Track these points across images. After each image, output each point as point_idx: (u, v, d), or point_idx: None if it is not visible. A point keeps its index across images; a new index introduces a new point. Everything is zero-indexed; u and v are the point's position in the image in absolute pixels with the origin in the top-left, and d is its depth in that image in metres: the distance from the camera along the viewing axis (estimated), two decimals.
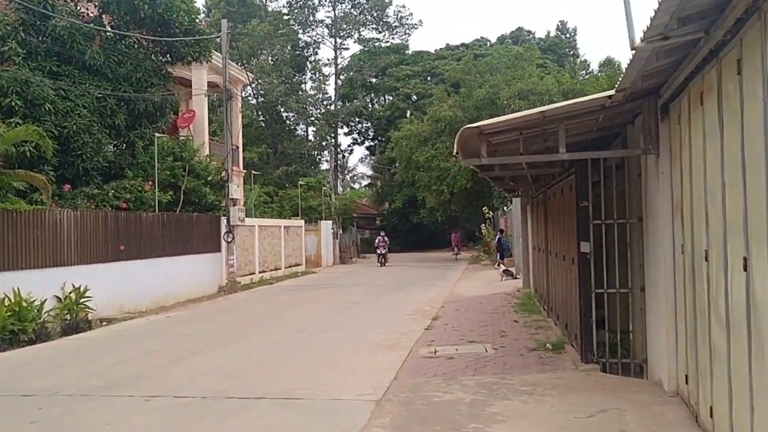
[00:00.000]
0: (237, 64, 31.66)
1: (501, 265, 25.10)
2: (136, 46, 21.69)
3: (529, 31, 71.50)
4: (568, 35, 73.48)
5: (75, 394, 8.67)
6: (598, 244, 9.09)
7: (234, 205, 23.90)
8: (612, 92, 7.05)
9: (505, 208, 37.58)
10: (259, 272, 27.86)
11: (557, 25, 73.56)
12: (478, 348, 11.22)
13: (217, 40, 25.00)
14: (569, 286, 10.44)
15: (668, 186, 7.35)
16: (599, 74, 44.68)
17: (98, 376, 9.75)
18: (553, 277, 12.96)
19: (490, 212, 37.95)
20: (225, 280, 23.46)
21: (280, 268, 30.76)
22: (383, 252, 37.75)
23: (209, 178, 24.19)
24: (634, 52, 5.29)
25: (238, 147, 31.47)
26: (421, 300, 19.09)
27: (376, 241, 39.31)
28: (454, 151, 7.76)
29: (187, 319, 16.71)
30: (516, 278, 23.56)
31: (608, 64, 58.52)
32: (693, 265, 6.62)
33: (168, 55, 22.67)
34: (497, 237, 28.99)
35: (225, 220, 23.63)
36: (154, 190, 20.28)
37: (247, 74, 33.99)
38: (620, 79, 6.71)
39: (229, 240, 23.51)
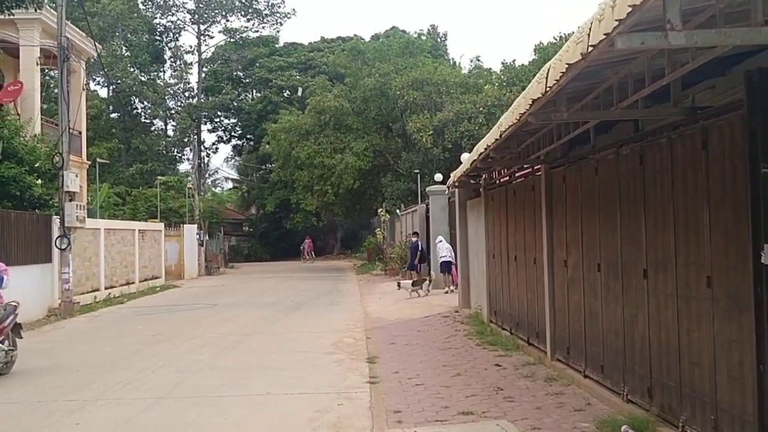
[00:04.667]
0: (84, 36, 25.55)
1: (414, 277, 20.42)
2: None
3: (404, 31, 67.91)
4: (439, 39, 70.73)
5: None
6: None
7: (71, 200, 18.02)
8: None
9: (398, 210, 33.26)
10: (106, 288, 22.05)
11: (428, 29, 70.51)
12: None
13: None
14: (688, 326, 5.91)
15: None
16: (493, 72, 40.49)
17: None
18: (579, 302, 8.43)
19: (387, 214, 33.36)
20: (58, 300, 17.75)
21: (133, 282, 24.85)
22: None
23: (37, 165, 18.30)
24: None
25: (80, 132, 25.29)
26: (334, 326, 14.18)
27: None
28: (612, 28, 2.93)
29: None
30: (428, 294, 18.89)
31: (478, 69, 56.06)
32: None
33: None
34: (414, 242, 22.72)
35: (58, 221, 17.88)
36: None
37: (95, 45, 27.50)
38: None
39: (64, 247, 17.75)
